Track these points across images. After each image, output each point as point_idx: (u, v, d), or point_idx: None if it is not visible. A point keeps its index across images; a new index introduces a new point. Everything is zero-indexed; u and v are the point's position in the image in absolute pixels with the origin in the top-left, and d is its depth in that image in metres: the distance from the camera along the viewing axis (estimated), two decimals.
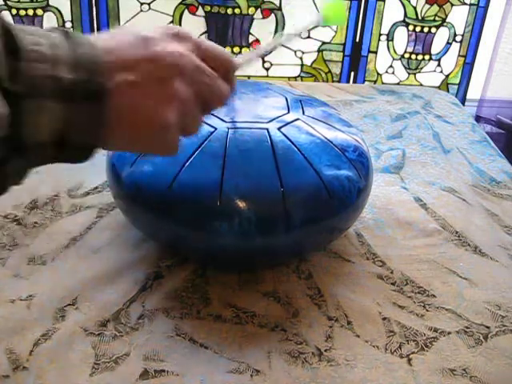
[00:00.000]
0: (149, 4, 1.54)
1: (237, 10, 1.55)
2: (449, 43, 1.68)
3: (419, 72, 1.71)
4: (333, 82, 1.69)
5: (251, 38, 1.59)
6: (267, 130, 0.59)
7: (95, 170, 0.77)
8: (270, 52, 0.49)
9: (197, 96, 0.38)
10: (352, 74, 1.68)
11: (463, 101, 1.74)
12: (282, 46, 0.51)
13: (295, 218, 0.54)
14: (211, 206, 0.53)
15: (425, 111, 1.02)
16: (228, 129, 0.58)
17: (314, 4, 1.58)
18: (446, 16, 1.63)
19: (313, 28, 0.50)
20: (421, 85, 1.70)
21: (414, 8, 1.62)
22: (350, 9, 1.58)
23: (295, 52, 1.64)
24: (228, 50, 1.59)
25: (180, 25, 1.55)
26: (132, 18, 1.54)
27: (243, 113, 0.63)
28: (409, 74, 1.71)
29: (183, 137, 0.40)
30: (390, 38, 1.65)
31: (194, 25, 1.56)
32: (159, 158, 0.56)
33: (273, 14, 1.57)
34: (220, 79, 0.41)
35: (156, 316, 0.55)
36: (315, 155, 0.57)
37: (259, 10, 1.56)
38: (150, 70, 0.35)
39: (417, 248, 0.66)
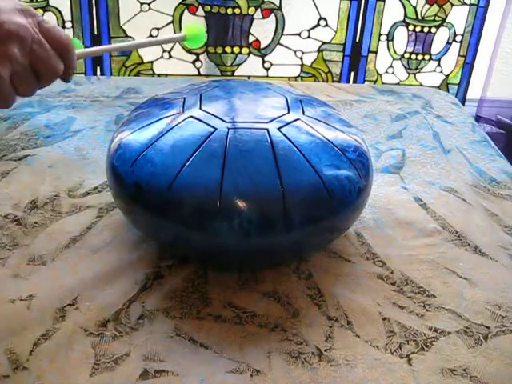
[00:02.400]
0: (149, 4, 1.53)
1: (237, 10, 1.55)
2: (449, 43, 1.67)
3: (419, 72, 1.71)
4: (333, 81, 1.69)
5: (251, 38, 1.59)
6: (267, 130, 0.59)
7: (95, 169, 0.77)
8: (123, 50, 0.54)
9: (32, 65, 0.46)
10: (352, 74, 1.68)
11: (463, 101, 1.74)
12: (137, 49, 0.55)
13: (295, 217, 0.54)
14: (211, 206, 0.53)
15: (425, 111, 1.02)
16: (228, 129, 0.58)
17: (314, 4, 1.58)
18: (446, 16, 1.63)
19: (173, 42, 0.54)
20: (421, 85, 1.70)
21: (414, 8, 1.62)
22: (350, 9, 1.58)
23: (295, 52, 1.64)
24: (228, 49, 1.59)
25: (180, 25, 1.55)
26: (132, 18, 1.54)
27: (243, 113, 0.63)
28: (409, 74, 1.71)
29: (18, 95, 0.47)
30: (390, 37, 1.65)
31: None
32: (159, 159, 0.56)
33: (273, 14, 1.57)
34: (56, 57, 0.48)
35: (156, 316, 0.55)
36: (315, 155, 0.57)
37: (259, 9, 1.56)
38: None
39: (417, 248, 0.66)
